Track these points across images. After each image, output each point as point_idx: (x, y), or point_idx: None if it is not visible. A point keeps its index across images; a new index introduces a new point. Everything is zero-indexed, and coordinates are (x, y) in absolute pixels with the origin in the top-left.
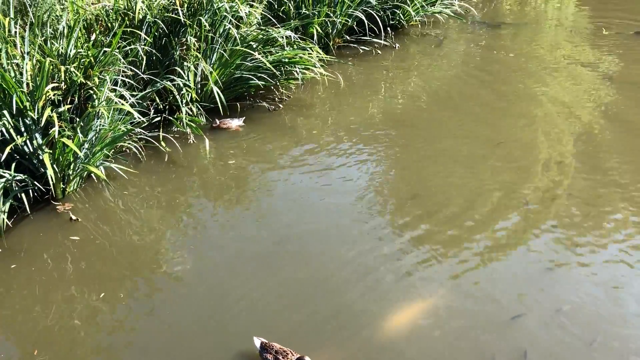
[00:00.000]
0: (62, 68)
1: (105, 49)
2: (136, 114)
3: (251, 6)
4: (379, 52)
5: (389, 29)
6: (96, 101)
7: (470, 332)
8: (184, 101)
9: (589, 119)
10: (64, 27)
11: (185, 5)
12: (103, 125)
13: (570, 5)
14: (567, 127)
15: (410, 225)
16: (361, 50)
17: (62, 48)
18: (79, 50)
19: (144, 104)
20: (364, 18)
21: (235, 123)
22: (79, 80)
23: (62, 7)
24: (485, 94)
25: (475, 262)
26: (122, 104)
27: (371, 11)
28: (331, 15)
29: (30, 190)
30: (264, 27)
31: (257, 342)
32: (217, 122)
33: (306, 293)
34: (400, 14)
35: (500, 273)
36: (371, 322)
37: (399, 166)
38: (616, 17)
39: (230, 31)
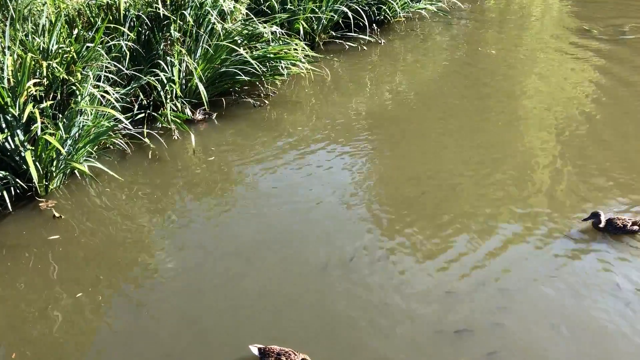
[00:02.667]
0: (44, 63)
1: (88, 44)
2: (117, 114)
3: (236, 1)
4: (365, 48)
5: (374, 25)
6: (79, 97)
7: None
8: (168, 97)
9: (569, 114)
10: (45, 22)
11: (169, 1)
12: (86, 122)
13: (555, 3)
14: (549, 123)
15: (396, 222)
16: (347, 46)
17: (43, 43)
18: (61, 46)
19: (128, 99)
20: (350, 13)
21: (199, 115)
22: (61, 76)
23: (43, 1)
24: (469, 90)
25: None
26: (104, 105)
27: (357, 7)
28: (317, 10)
29: (12, 187)
30: (249, 22)
31: (255, 350)
32: (191, 116)
33: (290, 291)
34: (386, 10)
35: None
36: (355, 324)
37: (384, 161)
38: (600, 14)
39: (215, 26)
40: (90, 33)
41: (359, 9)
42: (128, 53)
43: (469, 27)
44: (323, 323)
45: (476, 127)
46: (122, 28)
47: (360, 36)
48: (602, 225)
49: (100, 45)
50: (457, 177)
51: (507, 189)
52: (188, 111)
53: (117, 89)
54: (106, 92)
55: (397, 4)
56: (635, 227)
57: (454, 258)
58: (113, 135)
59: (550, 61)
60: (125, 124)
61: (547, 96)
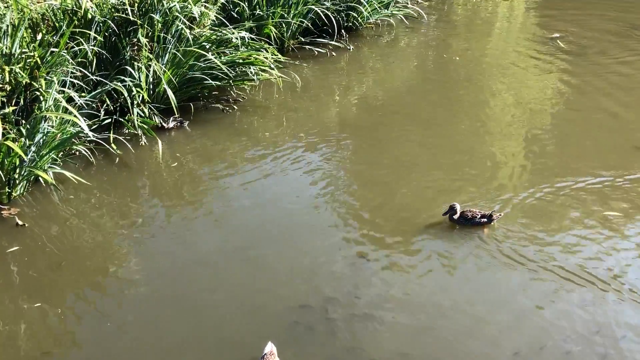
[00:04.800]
0: (7, 68)
1: (52, 49)
2: (81, 122)
3: (205, 7)
4: (334, 54)
5: (343, 31)
6: (43, 103)
7: None
8: (135, 102)
9: (532, 119)
10: (7, 26)
11: (136, 5)
12: (51, 128)
13: (520, 12)
14: (513, 127)
15: (365, 226)
16: (316, 52)
17: (6, 48)
18: (24, 50)
19: (94, 105)
20: (319, 18)
21: (171, 123)
22: (24, 81)
23: (5, 5)
24: (435, 96)
25: None
26: (68, 110)
27: (327, 12)
28: (286, 16)
29: None
30: (217, 28)
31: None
32: (160, 122)
33: (258, 297)
34: (355, 16)
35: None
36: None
37: (354, 167)
38: (562, 22)
39: (183, 31)
40: (55, 38)
41: (328, 15)
42: (94, 58)
43: (436, 35)
44: (291, 330)
45: (442, 131)
46: (88, 32)
47: (329, 42)
48: (456, 216)
49: (65, 50)
50: (428, 181)
51: (472, 195)
52: (158, 119)
53: (83, 94)
54: (71, 98)
55: (365, 10)
56: (484, 220)
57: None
58: (78, 141)
59: (514, 68)
60: (88, 133)
61: (511, 101)
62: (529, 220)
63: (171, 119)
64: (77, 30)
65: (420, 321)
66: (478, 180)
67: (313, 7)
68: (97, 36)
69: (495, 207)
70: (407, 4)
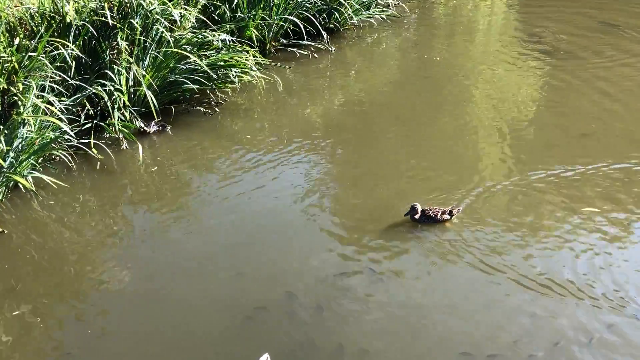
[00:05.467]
0: None
1: (30, 53)
2: (62, 124)
3: (185, 9)
4: (316, 55)
5: (325, 32)
6: (21, 108)
7: None
8: (116, 106)
9: (514, 118)
10: None
11: (116, 8)
12: (30, 133)
13: (500, 10)
14: (493, 126)
15: (349, 229)
16: (298, 54)
17: None
18: (1, 55)
19: (74, 110)
20: (298, 22)
21: (152, 128)
22: (1, 87)
23: None
24: (416, 96)
25: None
26: (47, 115)
27: (307, 14)
28: (267, 18)
29: None
30: (198, 30)
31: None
32: (142, 126)
33: (241, 300)
34: (337, 17)
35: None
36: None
37: (337, 168)
38: (544, 24)
39: (163, 34)
40: (33, 42)
41: (310, 17)
42: (73, 62)
43: (417, 35)
44: (273, 338)
45: (424, 131)
46: (66, 37)
47: (311, 44)
48: (417, 216)
49: (43, 55)
50: (405, 183)
51: (452, 196)
52: (140, 123)
53: (63, 99)
54: (50, 102)
55: (346, 12)
56: (446, 216)
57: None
58: (58, 146)
59: (495, 68)
60: (70, 135)
61: (492, 101)
62: (496, 214)
63: (153, 123)
64: (56, 34)
65: (378, 321)
66: (457, 179)
67: (291, 16)
68: (71, 45)
69: (465, 202)
70: (389, 4)
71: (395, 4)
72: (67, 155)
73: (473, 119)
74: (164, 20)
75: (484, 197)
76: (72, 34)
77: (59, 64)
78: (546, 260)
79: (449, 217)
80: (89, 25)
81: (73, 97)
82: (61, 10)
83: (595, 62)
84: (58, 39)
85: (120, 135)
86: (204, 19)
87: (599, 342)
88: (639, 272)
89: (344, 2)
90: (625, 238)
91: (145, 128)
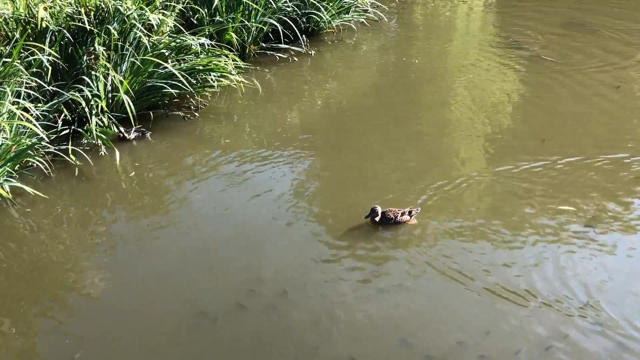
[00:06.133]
0: None
1: (5, 59)
2: (38, 130)
3: (163, 14)
4: (296, 59)
5: (304, 36)
6: None
7: None
8: (94, 112)
9: (492, 120)
10: None
11: (92, 13)
12: (5, 140)
13: (478, 13)
14: (471, 128)
15: (330, 232)
16: (278, 58)
17: None
18: None
19: (51, 116)
20: (278, 25)
21: (132, 135)
22: None
23: None
24: (395, 98)
25: None
26: (23, 120)
27: (286, 18)
28: (245, 22)
29: None
30: (176, 35)
31: None
32: (122, 132)
33: (221, 308)
34: (316, 21)
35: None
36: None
37: (318, 172)
38: (521, 25)
39: (141, 39)
40: (7, 48)
41: (288, 21)
42: (49, 68)
43: (396, 38)
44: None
45: (402, 132)
46: (42, 41)
47: (291, 47)
48: (377, 219)
49: (18, 60)
50: (391, 187)
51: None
52: (120, 130)
53: (39, 105)
54: (26, 109)
55: (325, 16)
56: (406, 217)
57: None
58: (35, 153)
59: (472, 68)
60: (46, 142)
61: (471, 103)
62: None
63: (133, 129)
64: (32, 39)
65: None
66: (434, 179)
67: (275, 13)
68: (48, 49)
69: (435, 199)
70: (368, 8)
71: (374, 7)
72: (44, 162)
73: (451, 120)
74: (142, 25)
75: (453, 192)
76: (47, 39)
77: (34, 69)
78: (501, 267)
79: (408, 217)
80: (64, 31)
81: (50, 103)
82: (36, 15)
83: (571, 63)
84: (34, 43)
85: (99, 142)
86: (182, 22)
87: (555, 350)
88: (603, 278)
89: (321, 7)
90: (583, 243)
91: (125, 134)
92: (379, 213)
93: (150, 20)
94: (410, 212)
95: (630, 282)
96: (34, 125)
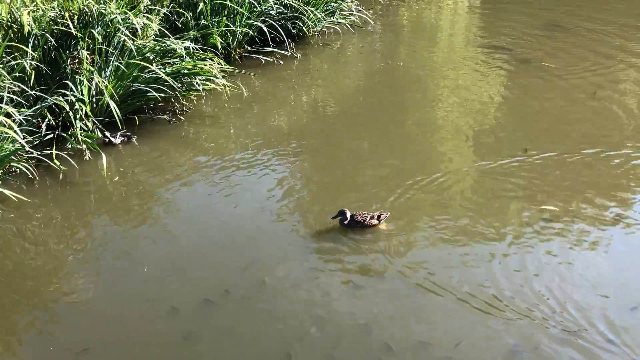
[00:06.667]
0: None
1: None
2: (17, 136)
3: (148, 18)
4: (281, 62)
5: (290, 39)
6: None
7: None
8: (78, 116)
9: (477, 121)
10: None
11: (76, 17)
12: None
13: (462, 16)
14: (456, 130)
15: (316, 236)
16: (263, 61)
17: None
18: None
19: (34, 121)
20: (264, 28)
21: (117, 139)
22: None
23: None
24: (380, 101)
25: None
26: (5, 127)
27: (272, 21)
28: (231, 25)
29: None
30: (161, 39)
31: None
32: (109, 137)
33: (206, 310)
34: (301, 24)
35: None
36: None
37: (304, 175)
38: (505, 26)
39: (126, 43)
40: None
41: (274, 24)
42: (33, 72)
43: (381, 41)
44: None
45: (386, 135)
46: (24, 46)
47: (276, 50)
48: (346, 222)
49: (0, 65)
50: (374, 187)
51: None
52: (106, 134)
53: (22, 110)
54: (8, 114)
55: (310, 19)
56: (374, 221)
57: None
58: (18, 159)
59: (456, 71)
60: (28, 148)
61: (455, 105)
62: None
63: (119, 134)
64: (14, 43)
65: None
66: (414, 180)
67: (260, 17)
68: (30, 51)
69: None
70: (352, 11)
71: (359, 10)
72: (28, 167)
73: (435, 121)
74: (126, 29)
75: (433, 192)
76: (30, 43)
77: (17, 74)
78: (467, 271)
79: (377, 221)
80: (48, 35)
81: (33, 108)
82: (19, 19)
83: (555, 64)
84: (17, 44)
85: (84, 146)
86: (166, 27)
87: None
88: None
89: (305, 11)
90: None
91: (112, 139)
92: (348, 216)
93: (134, 24)
94: (379, 217)
95: (598, 288)
96: (15, 131)
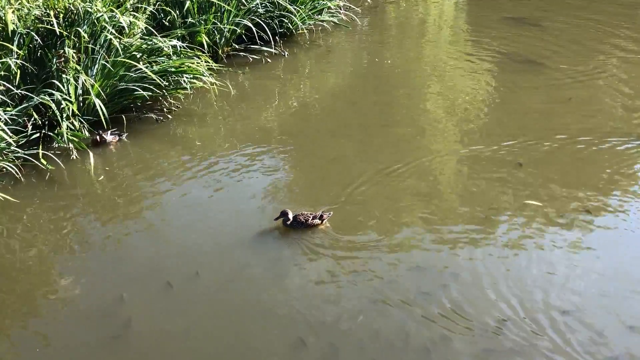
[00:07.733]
0: None
1: None
2: (6, 135)
3: (134, 16)
4: (269, 60)
5: (277, 37)
6: None
7: None
8: (65, 115)
9: (464, 119)
10: None
11: (62, 16)
12: None
13: (450, 14)
14: (441, 126)
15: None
16: (251, 59)
17: None
18: None
19: (20, 120)
20: (252, 26)
21: (109, 137)
22: None
23: None
24: (367, 98)
25: None
26: None
27: (259, 19)
28: (218, 23)
29: None
30: (148, 37)
31: None
32: (97, 136)
33: (192, 312)
34: (288, 22)
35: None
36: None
37: (292, 174)
38: (491, 25)
39: (112, 41)
40: None
41: (261, 22)
42: (18, 71)
43: (369, 39)
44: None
45: (374, 133)
46: (9, 45)
47: (264, 48)
48: (289, 222)
49: None
50: (368, 189)
51: (415, 204)
52: (96, 133)
53: (8, 109)
54: None
55: (297, 17)
56: (317, 221)
57: None
58: (4, 158)
59: (443, 69)
60: (14, 146)
61: (443, 102)
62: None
63: (109, 132)
64: None
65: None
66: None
67: (247, 15)
68: (15, 48)
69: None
70: (340, 10)
71: (347, 8)
72: (14, 166)
73: (422, 119)
74: (112, 27)
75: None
76: (15, 42)
77: (2, 72)
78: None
79: (319, 221)
80: (33, 33)
81: (19, 107)
82: (3, 17)
83: (541, 59)
84: (2, 43)
85: (70, 145)
86: (153, 25)
87: None
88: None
89: (292, 9)
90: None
91: (104, 137)
92: (290, 217)
93: (121, 23)
94: (321, 216)
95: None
96: (2, 129)
